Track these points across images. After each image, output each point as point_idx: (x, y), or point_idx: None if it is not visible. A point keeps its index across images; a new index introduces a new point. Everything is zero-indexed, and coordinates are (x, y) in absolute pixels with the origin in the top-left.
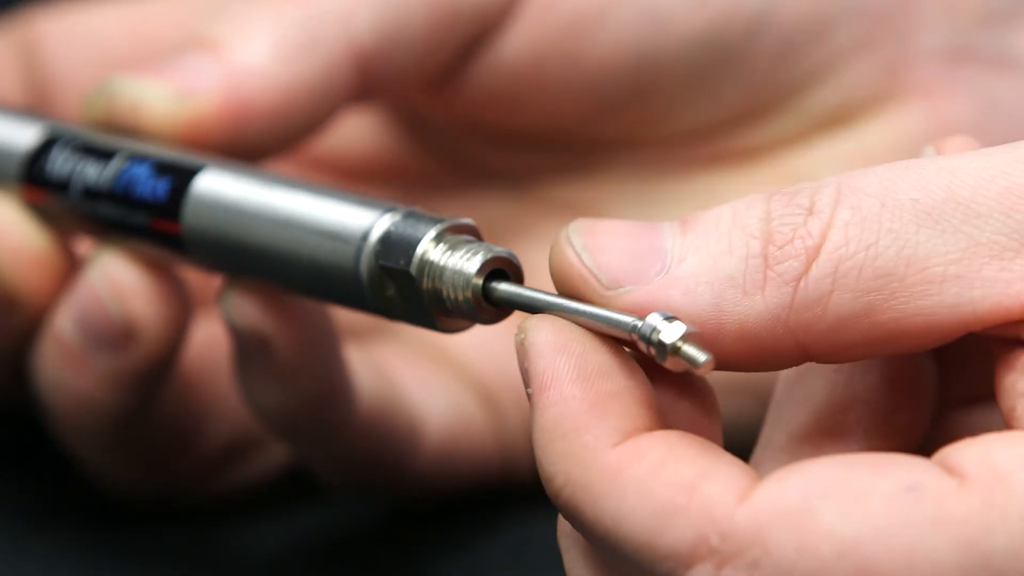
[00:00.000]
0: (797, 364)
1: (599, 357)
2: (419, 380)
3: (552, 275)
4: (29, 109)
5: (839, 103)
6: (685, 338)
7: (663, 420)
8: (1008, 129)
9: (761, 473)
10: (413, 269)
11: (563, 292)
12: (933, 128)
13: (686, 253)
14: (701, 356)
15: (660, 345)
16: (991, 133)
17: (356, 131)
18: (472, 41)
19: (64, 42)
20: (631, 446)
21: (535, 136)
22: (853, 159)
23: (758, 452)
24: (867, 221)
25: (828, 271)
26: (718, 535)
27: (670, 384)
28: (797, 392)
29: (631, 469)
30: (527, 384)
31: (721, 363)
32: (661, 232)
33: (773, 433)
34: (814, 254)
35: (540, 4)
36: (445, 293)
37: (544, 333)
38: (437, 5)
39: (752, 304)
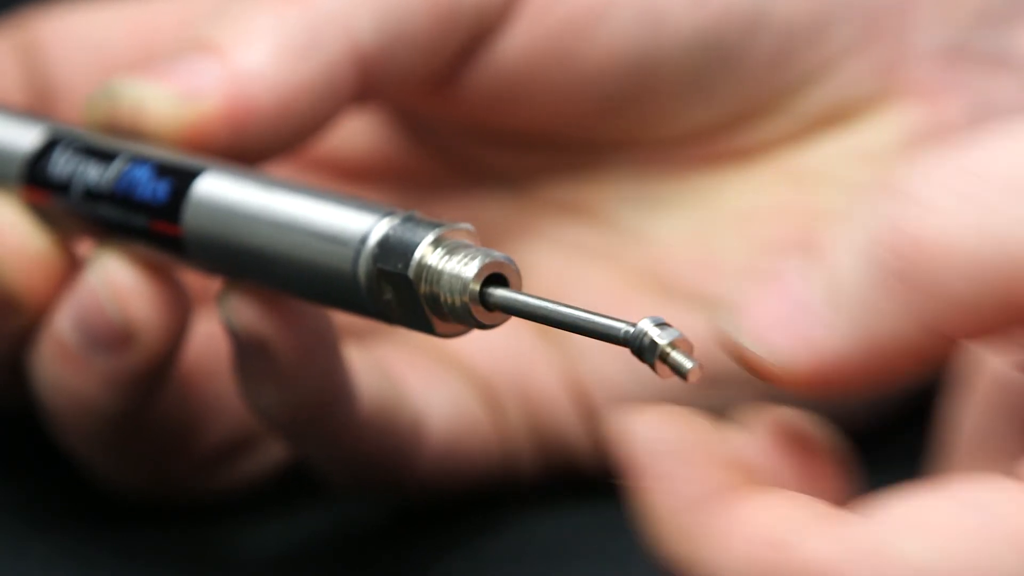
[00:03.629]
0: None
1: (694, 429)
2: (421, 379)
3: (738, 364)
4: (30, 111)
5: (837, 102)
6: (674, 344)
7: (769, 483)
8: None
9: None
10: (411, 273)
11: (748, 375)
12: (931, 128)
13: (826, 294)
14: (688, 364)
15: (651, 348)
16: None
17: (355, 132)
18: (472, 42)
19: (65, 43)
20: (738, 511)
21: (534, 136)
22: (851, 158)
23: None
24: (963, 200)
25: (962, 265)
26: None
27: (779, 450)
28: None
29: (738, 536)
30: (626, 472)
31: (896, 378)
32: (793, 279)
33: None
34: (945, 251)
35: (539, 4)
36: (442, 298)
37: (638, 419)
38: (437, 6)
39: (897, 317)
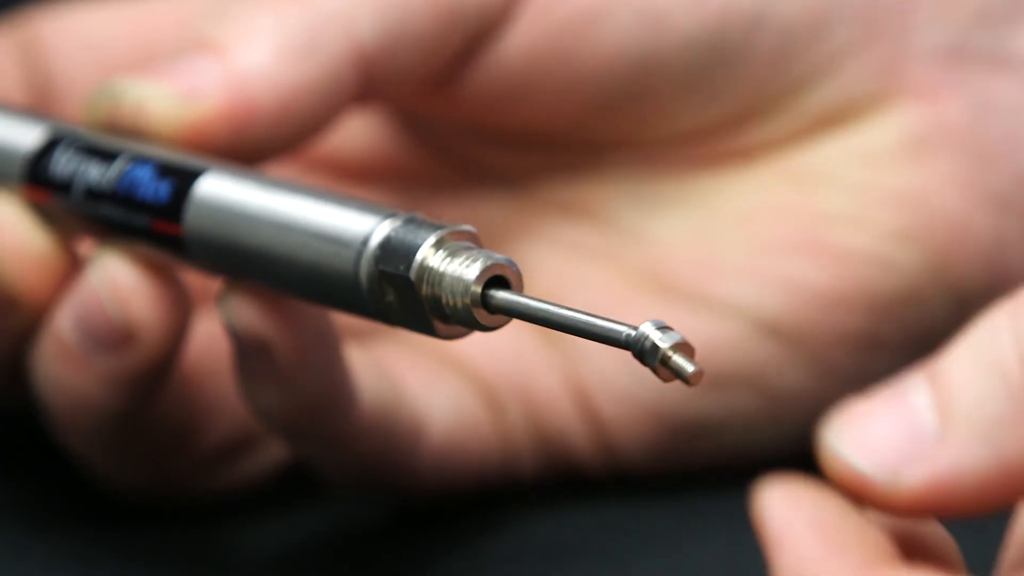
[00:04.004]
0: None
1: (832, 507)
2: (422, 380)
3: (833, 481)
4: (32, 109)
5: (838, 102)
6: (676, 348)
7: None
8: (1006, 129)
9: None
10: (412, 275)
11: (849, 498)
12: (931, 128)
13: (947, 411)
14: (690, 367)
15: (652, 351)
16: (989, 133)
17: (356, 132)
18: (473, 42)
19: (66, 42)
20: None
21: (535, 136)
22: (852, 159)
23: None
24: None
25: None
26: None
27: (906, 539)
28: None
29: None
30: (764, 545)
31: (1018, 501)
32: (914, 395)
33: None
34: None
35: (539, 4)
36: (444, 299)
37: (774, 492)
38: (438, 6)
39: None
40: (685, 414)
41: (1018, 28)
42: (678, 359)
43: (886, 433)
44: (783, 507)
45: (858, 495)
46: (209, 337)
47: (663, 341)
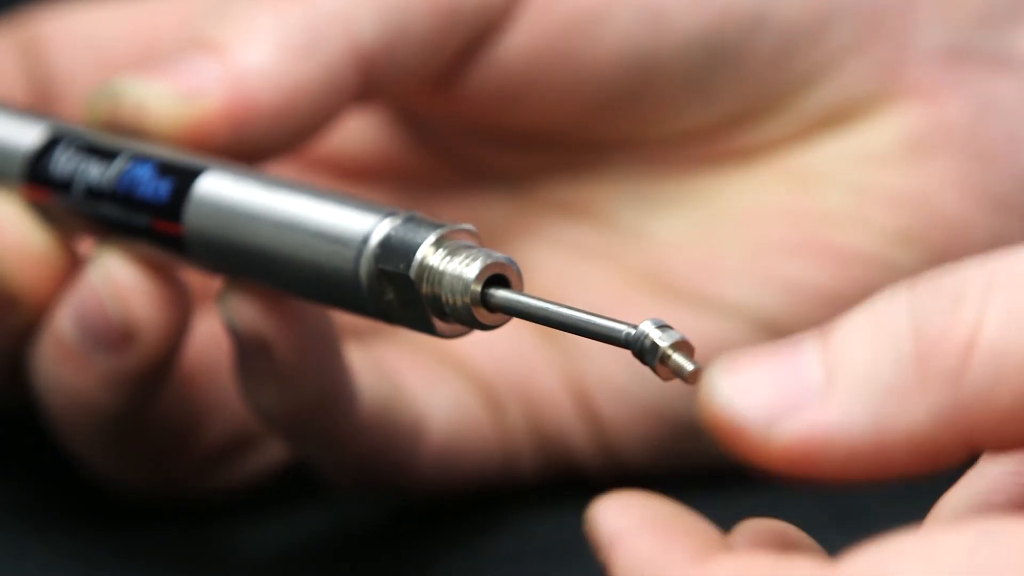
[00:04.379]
0: (967, 459)
1: (661, 508)
2: (421, 379)
3: (707, 426)
4: (32, 108)
5: (838, 102)
6: (676, 347)
7: None
8: (1006, 129)
9: None
10: (412, 273)
11: (722, 442)
12: (931, 128)
13: (834, 371)
14: (689, 366)
15: (652, 350)
16: (989, 133)
17: (356, 131)
18: (473, 41)
19: (66, 41)
20: (707, 564)
21: (535, 136)
22: (852, 159)
23: None
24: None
25: (987, 363)
26: None
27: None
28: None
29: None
30: (599, 554)
31: (891, 474)
32: (803, 352)
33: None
34: (970, 348)
35: (540, 4)
36: (444, 298)
37: (605, 503)
38: (438, 5)
39: (914, 410)
40: (685, 414)
41: (1019, 28)
42: (678, 358)
43: (769, 382)
44: (614, 514)
45: (731, 441)
46: (209, 336)
47: (662, 340)
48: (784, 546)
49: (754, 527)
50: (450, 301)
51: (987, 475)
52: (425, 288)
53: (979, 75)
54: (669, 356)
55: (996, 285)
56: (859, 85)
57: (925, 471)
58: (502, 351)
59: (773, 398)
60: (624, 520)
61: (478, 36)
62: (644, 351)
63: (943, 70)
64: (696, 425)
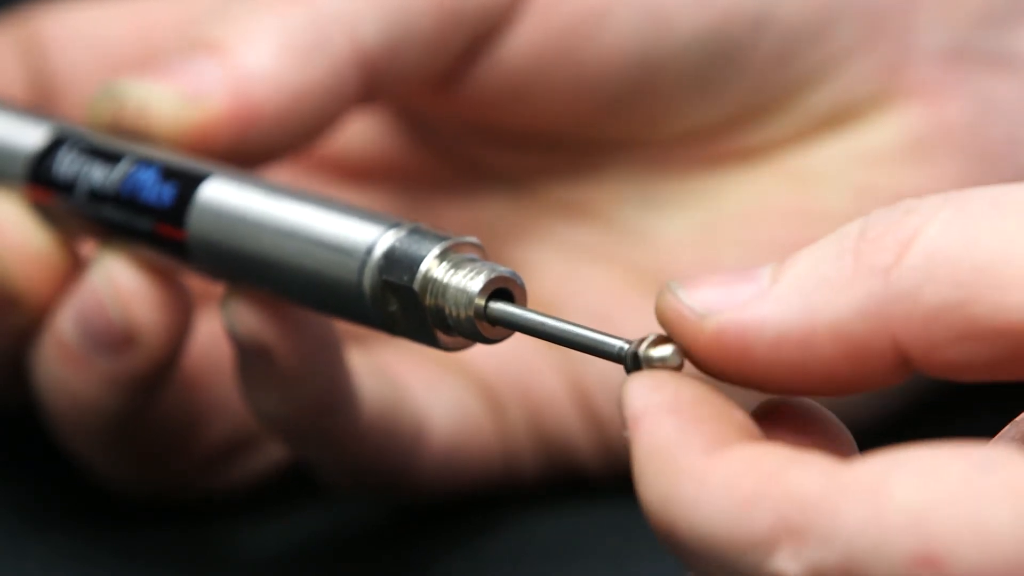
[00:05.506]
0: (900, 376)
1: (692, 389)
2: (423, 383)
3: (659, 322)
4: (36, 108)
5: (840, 103)
6: (667, 362)
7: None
8: (1007, 130)
9: None
10: (416, 285)
11: (668, 333)
12: (932, 128)
13: (782, 273)
14: (666, 351)
15: (634, 359)
16: (990, 134)
17: (359, 132)
18: (476, 42)
19: (68, 40)
20: (721, 453)
21: (537, 136)
22: (853, 159)
23: None
24: (970, 217)
25: (920, 261)
26: (799, 514)
27: (792, 427)
28: None
29: (718, 470)
30: (625, 428)
31: (821, 374)
32: (761, 269)
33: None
34: (906, 246)
35: (542, 4)
36: (447, 311)
37: (638, 379)
38: (441, 6)
39: (842, 300)
40: None
41: (1019, 29)
42: (653, 352)
43: (720, 284)
44: (643, 391)
45: (671, 332)
46: (210, 337)
47: (654, 356)
48: (807, 432)
49: (782, 408)
50: (453, 314)
51: None
52: (429, 300)
53: (980, 75)
54: (651, 358)
55: (949, 201)
56: (860, 86)
57: (859, 380)
58: (503, 353)
59: (717, 295)
60: (652, 398)
61: (480, 37)
62: (637, 367)
63: (944, 71)
64: None
